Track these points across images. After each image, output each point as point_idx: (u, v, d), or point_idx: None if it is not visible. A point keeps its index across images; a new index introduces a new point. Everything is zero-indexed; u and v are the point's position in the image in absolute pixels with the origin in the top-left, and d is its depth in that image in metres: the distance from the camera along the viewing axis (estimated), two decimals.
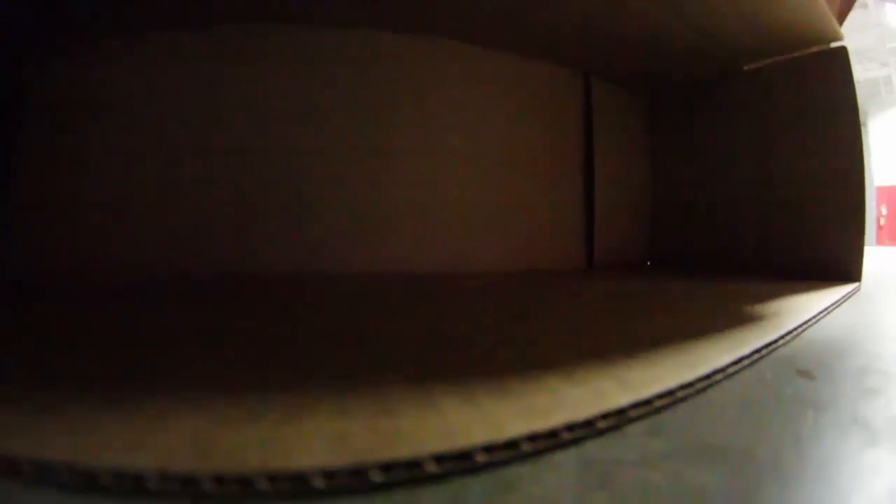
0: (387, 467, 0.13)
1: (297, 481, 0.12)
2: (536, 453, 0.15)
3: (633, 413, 0.17)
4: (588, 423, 0.16)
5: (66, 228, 0.62)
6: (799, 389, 0.21)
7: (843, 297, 0.50)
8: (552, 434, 0.15)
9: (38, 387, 0.18)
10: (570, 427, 0.15)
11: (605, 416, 0.16)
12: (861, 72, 3.90)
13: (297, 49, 0.65)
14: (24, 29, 0.58)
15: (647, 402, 0.18)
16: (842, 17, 0.67)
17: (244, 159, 0.63)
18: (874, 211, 4.56)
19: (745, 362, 0.25)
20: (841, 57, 0.65)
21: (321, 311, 0.41)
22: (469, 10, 0.62)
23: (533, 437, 0.15)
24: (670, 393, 0.19)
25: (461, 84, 0.71)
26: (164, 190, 0.63)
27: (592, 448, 0.15)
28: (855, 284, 0.60)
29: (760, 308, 0.38)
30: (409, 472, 0.13)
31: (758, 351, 0.26)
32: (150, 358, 0.24)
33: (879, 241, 4.46)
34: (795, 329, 0.32)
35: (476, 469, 0.14)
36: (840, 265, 0.65)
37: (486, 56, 0.72)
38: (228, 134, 0.63)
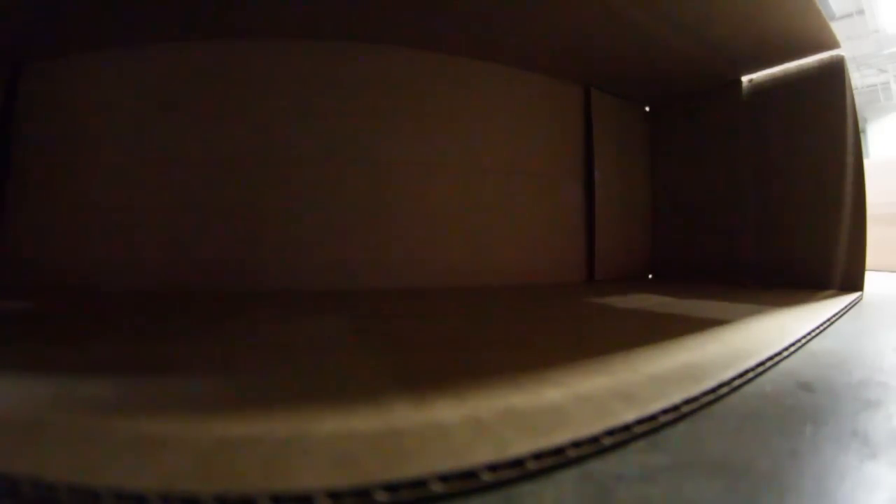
0: None
1: None
2: None
3: None
4: None
5: (62, 231, 0.62)
6: None
7: (838, 312, 0.48)
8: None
9: None
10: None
11: None
12: (859, 78, 3.91)
13: (301, 60, 0.64)
14: (24, 30, 0.58)
15: None
16: None
17: (246, 166, 0.63)
18: None
19: None
20: (838, 65, 0.65)
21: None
22: (467, 26, 0.62)
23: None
24: None
25: (460, 97, 0.71)
26: (164, 195, 0.62)
27: None
28: (857, 294, 0.60)
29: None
30: None
31: None
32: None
33: None
34: None
35: None
36: (840, 273, 0.64)
37: (485, 69, 0.72)
38: (232, 141, 0.63)
